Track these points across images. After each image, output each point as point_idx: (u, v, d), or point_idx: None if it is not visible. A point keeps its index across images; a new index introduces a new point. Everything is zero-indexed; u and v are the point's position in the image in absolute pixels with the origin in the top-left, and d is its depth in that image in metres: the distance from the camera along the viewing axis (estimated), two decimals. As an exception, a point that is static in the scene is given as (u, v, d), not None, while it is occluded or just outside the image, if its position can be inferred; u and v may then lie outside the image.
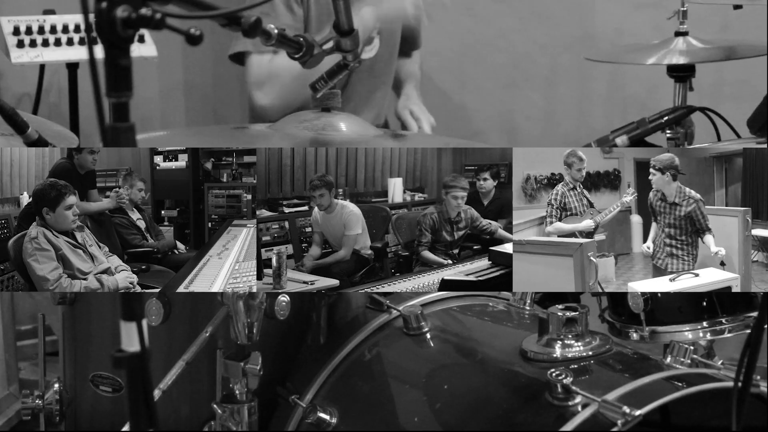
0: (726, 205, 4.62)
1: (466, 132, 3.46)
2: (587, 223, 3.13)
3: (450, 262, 3.28)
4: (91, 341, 1.77)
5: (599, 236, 4.93)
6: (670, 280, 2.31)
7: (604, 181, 5.07)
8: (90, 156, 3.58)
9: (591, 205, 3.28)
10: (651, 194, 2.66)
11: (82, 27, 2.69)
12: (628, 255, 3.95)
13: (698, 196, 2.56)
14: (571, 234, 3.10)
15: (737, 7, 2.34)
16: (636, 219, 3.95)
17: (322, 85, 1.74)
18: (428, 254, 3.38)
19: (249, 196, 4.92)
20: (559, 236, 3.05)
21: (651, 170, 2.58)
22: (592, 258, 2.27)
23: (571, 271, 2.30)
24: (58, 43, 2.67)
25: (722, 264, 2.45)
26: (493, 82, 3.42)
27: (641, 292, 1.72)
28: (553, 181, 4.55)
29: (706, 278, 2.30)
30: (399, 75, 2.87)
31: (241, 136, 2.12)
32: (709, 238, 2.52)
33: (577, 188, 3.23)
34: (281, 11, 2.44)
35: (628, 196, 3.30)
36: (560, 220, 3.21)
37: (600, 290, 2.38)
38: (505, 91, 3.44)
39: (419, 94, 2.88)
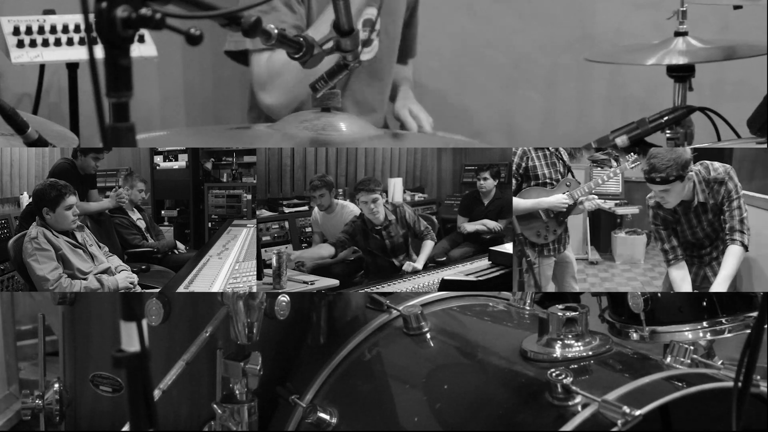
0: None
1: (466, 132, 3.46)
2: (558, 198, 2.29)
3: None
4: (91, 341, 1.77)
5: (631, 209, 4.23)
6: None
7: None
8: (93, 162, 3.58)
9: (569, 171, 2.43)
10: None
11: (82, 27, 2.68)
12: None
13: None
14: (534, 214, 2.28)
15: (737, 7, 2.34)
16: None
17: (322, 85, 1.74)
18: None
19: (249, 196, 4.92)
20: (516, 217, 2.28)
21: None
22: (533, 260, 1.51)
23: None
24: (58, 43, 2.67)
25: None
26: (493, 82, 3.42)
27: (641, 292, 1.72)
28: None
29: None
30: (395, 79, 2.85)
31: (242, 136, 2.12)
32: None
33: (549, 148, 2.39)
34: (282, 10, 2.43)
35: (628, 163, 2.43)
36: (519, 191, 2.34)
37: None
38: (505, 91, 3.44)
39: (414, 96, 2.86)
